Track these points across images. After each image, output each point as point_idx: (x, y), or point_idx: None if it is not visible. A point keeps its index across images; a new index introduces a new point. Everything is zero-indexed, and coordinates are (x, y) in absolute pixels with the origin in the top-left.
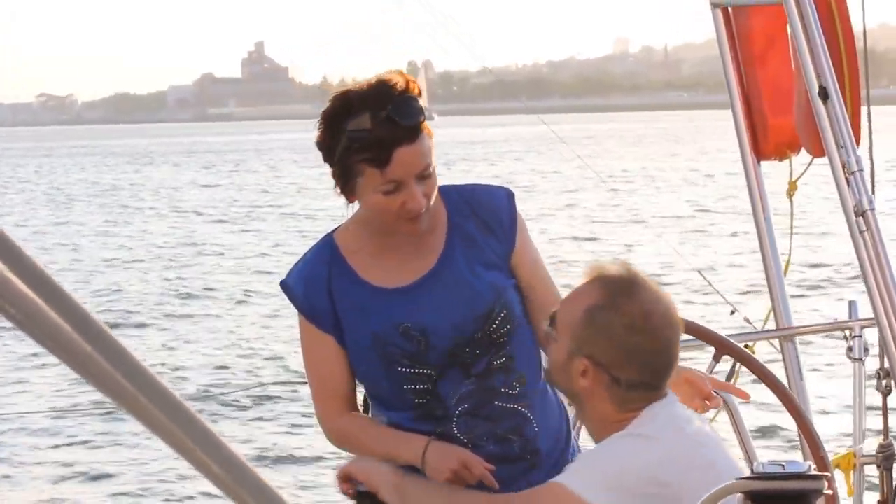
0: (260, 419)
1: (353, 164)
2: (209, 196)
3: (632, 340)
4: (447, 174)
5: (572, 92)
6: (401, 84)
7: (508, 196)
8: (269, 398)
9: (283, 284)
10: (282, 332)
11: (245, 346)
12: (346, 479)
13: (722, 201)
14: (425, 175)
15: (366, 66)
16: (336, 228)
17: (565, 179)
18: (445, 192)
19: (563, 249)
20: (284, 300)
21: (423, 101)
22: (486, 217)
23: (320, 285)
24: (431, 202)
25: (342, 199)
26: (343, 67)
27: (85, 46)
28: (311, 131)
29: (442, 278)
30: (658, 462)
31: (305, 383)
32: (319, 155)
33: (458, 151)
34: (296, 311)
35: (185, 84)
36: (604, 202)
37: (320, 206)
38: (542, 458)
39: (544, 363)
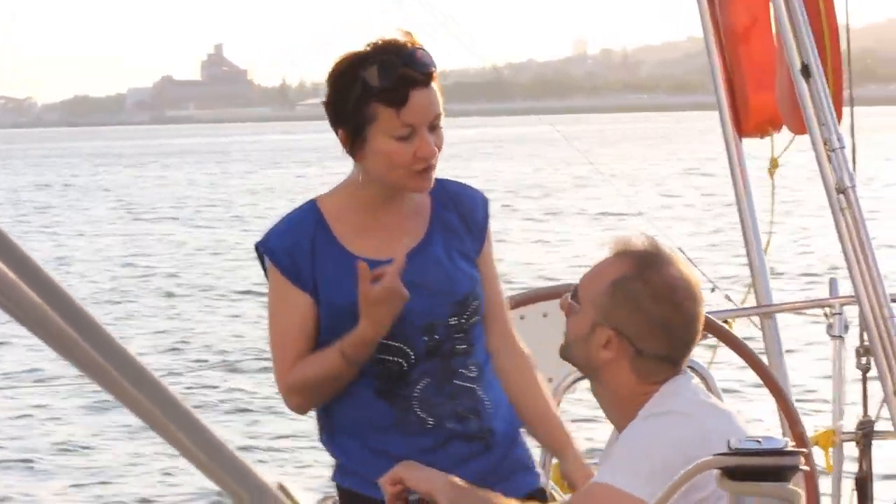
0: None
1: (369, 108)
2: (160, 195)
3: (658, 312)
4: None
5: (532, 94)
6: (409, 41)
7: (484, 201)
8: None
9: (262, 244)
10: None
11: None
12: (396, 484)
13: (703, 191)
14: (436, 125)
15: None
16: (317, 196)
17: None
18: None
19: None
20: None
21: None
22: (464, 211)
23: (304, 246)
24: (435, 160)
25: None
26: (308, 71)
27: (44, 48)
28: (269, 134)
29: (423, 259)
30: (699, 439)
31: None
32: (273, 157)
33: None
34: (266, 271)
35: (145, 86)
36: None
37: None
38: (496, 439)
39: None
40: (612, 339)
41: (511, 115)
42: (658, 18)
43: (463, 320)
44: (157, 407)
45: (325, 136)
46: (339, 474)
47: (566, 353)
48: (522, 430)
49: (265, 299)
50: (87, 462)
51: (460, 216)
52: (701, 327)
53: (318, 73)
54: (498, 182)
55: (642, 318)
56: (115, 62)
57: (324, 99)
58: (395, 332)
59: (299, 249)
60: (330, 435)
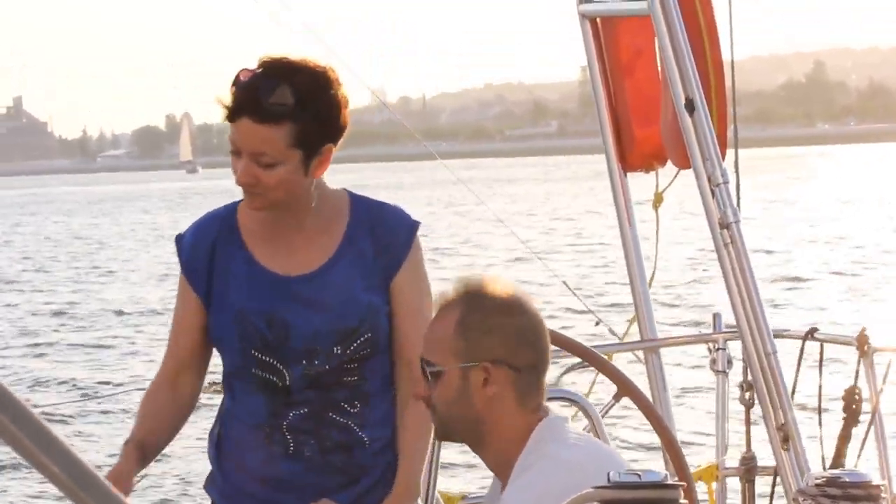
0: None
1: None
2: None
3: (510, 324)
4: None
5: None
6: (302, 68)
7: (413, 226)
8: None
9: (179, 237)
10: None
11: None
12: None
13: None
14: (262, 162)
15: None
16: (241, 200)
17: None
18: (357, 202)
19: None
20: None
21: (187, 154)
22: (382, 235)
23: (206, 243)
24: (265, 191)
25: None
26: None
27: None
28: (70, 185)
29: (322, 282)
30: (577, 485)
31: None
32: (73, 211)
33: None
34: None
35: None
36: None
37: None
38: (366, 473)
39: (434, 417)
40: (489, 371)
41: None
42: (454, 65)
43: (349, 351)
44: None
45: (122, 188)
46: (209, 483)
47: (447, 428)
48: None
49: None
50: None
51: (374, 239)
52: (547, 332)
53: (119, 123)
54: None
55: (501, 335)
56: None
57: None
58: (275, 350)
59: (200, 248)
60: (212, 443)
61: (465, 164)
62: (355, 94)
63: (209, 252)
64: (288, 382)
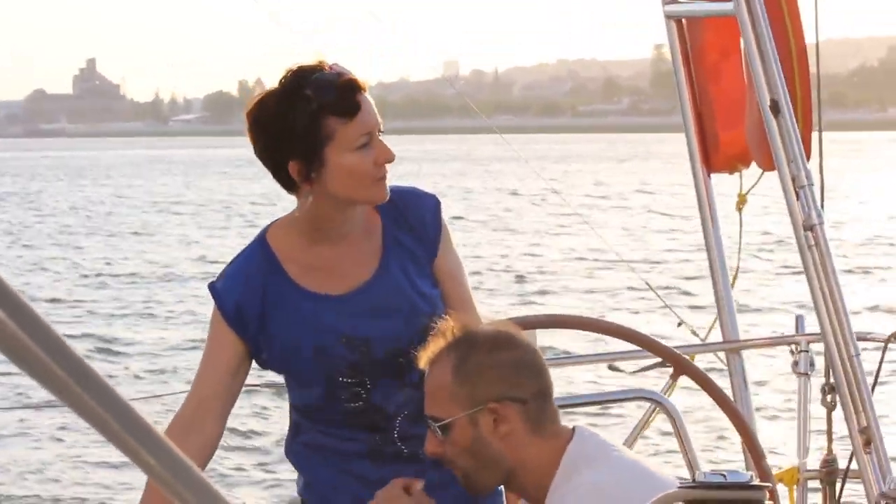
0: None
1: (323, 126)
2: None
3: (504, 359)
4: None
5: (402, 114)
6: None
7: (436, 204)
8: None
9: (212, 287)
10: None
11: None
12: None
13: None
14: (380, 131)
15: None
16: (268, 228)
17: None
18: None
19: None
20: None
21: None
22: (414, 223)
23: (254, 292)
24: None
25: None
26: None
27: None
28: (140, 148)
29: (380, 288)
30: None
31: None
32: (142, 171)
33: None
34: (212, 310)
35: (16, 100)
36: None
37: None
38: None
39: (456, 472)
40: (496, 410)
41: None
42: (530, 40)
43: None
44: (123, 428)
45: (199, 153)
46: (306, 489)
47: (473, 479)
48: None
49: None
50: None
51: (411, 228)
52: (542, 357)
53: (190, 88)
54: None
55: (499, 372)
56: None
57: (251, 143)
58: (360, 368)
59: (248, 293)
60: (299, 454)
61: (531, 139)
62: (427, 67)
63: (261, 297)
64: (380, 393)
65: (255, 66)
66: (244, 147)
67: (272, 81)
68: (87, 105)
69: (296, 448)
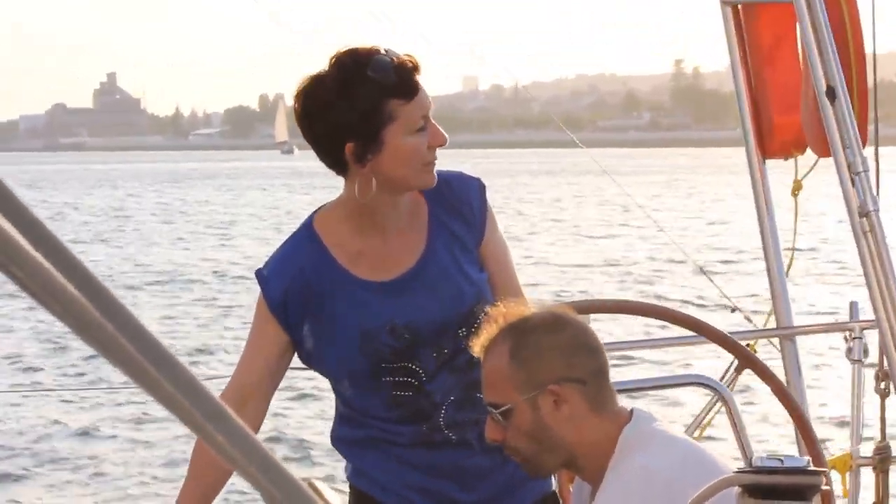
0: None
1: (384, 108)
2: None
3: (558, 340)
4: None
5: None
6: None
7: (480, 187)
8: None
9: (259, 274)
10: None
11: None
12: None
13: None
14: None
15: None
16: (314, 214)
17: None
18: None
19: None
20: None
21: (283, 135)
22: (460, 207)
23: (301, 279)
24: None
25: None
26: (199, 100)
27: None
28: (159, 162)
29: (427, 273)
30: (660, 496)
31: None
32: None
33: (320, 181)
34: (258, 298)
35: (37, 113)
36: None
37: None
38: None
39: (519, 458)
40: (557, 392)
41: None
42: (551, 55)
43: (474, 328)
44: (192, 404)
45: (217, 165)
46: (355, 475)
47: (536, 464)
48: None
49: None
50: (107, 456)
51: (457, 211)
52: (596, 335)
53: (211, 102)
54: None
55: (556, 353)
56: (7, 89)
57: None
58: (407, 355)
59: (296, 280)
60: (345, 441)
61: (555, 153)
62: (446, 81)
63: (308, 284)
64: (425, 378)
65: (255, 66)
66: (270, 160)
67: (290, 100)
68: (108, 119)
69: (342, 436)
